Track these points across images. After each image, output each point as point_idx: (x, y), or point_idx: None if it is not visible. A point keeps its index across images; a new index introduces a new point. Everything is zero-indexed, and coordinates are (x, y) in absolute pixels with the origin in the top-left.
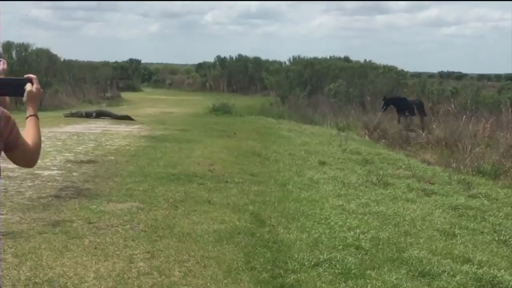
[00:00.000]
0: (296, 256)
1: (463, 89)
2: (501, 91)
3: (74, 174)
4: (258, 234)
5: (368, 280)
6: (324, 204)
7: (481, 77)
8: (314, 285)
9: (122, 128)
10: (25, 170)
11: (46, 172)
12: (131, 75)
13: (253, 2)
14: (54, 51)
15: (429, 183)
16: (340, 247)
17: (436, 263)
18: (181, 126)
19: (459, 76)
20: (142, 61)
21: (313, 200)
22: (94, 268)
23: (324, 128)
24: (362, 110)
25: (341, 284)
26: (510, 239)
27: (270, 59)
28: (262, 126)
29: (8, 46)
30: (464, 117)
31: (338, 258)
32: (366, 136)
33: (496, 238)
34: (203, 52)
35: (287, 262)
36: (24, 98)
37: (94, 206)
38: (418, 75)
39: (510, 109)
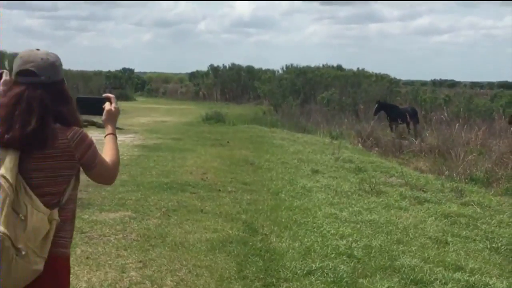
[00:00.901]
0: (289, 265)
1: (455, 97)
2: (493, 98)
3: None
4: (250, 243)
5: None
6: (317, 212)
7: (474, 85)
8: None
9: None
10: None
11: None
12: (124, 84)
13: (246, 11)
14: None
15: (422, 191)
16: (333, 255)
17: (428, 271)
18: (174, 135)
19: (452, 84)
20: (135, 70)
21: (305, 209)
22: (86, 277)
23: (317, 136)
24: (355, 119)
25: None
26: (502, 247)
27: (264, 68)
28: (255, 135)
29: (1, 55)
30: (457, 125)
31: (330, 267)
32: (359, 145)
33: (488, 246)
34: (196, 61)
35: (280, 271)
36: (103, 117)
37: (86, 216)
38: (411, 83)
39: (502, 117)
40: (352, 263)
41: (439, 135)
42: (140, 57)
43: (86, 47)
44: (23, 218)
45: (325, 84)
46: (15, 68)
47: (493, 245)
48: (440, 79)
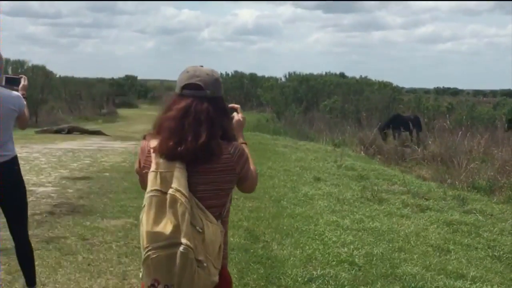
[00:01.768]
0: (290, 272)
1: (458, 105)
2: (496, 107)
3: (69, 190)
4: (251, 250)
5: None
6: (319, 220)
7: (477, 93)
8: None
9: (118, 144)
10: None
11: (40, 189)
12: (127, 92)
13: (250, 19)
14: (49, 67)
15: (424, 199)
16: (334, 263)
17: (429, 279)
18: None
19: (455, 92)
20: (139, 78)
21: (307, 216)
22: (87, 284)
23: (319, 144)
24: (358, 126)
25: None
26: (504, 255)
27: (266, 75)
28: (257, 142)
29: (4, 63)
30: (459, 133)
31: (332, 274)
32: (362, 152)
33: (490, 254)
34: None
35: (281, 278)
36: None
37: (88, 223)
38: (414, 91)
39: (505, 125)
40: (353, 270)
41: (442, 143)
42: (143, 65)
43: (89, 54)
44: (200, 230)
45: (328, 92)
46: (182, 81)
47: (495, 253)
48: (443, 87)
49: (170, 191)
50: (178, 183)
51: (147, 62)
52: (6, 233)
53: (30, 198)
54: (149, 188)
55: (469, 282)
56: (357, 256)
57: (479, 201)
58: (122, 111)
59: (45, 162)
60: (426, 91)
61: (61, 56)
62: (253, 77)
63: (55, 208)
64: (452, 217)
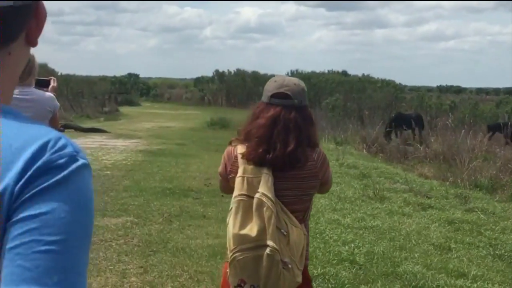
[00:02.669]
0: None
1: (461, 103)
2: (499, 105)
3: None
4: None
5: None
6: (320, 218)
7: (480, 91)
8: None
9: (120, 142)
10: None
11: None
12: (130, 90)
13: (252, 17)
14: (51, 65)
15: (426, 197)
16: (335, 261)
17: (430, 277)
18: (178, 141)
19: (458, 90)
20: (141, 76)
21: None
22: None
23: (321, 142)
24: (360, 124)
25: None
26: (506, 254)
27: (269, 73)
28: None
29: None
30: (462, 131)
31: (332, 273)
32: (364, 150)
33: (492, 253)
34: (202, 66)
35: None
36: None
37: None
38: (416, 89)
39: (508, 123)
40: (354, 269)
41: (444, 141)
42: (145, 63)
43: (92, 52)
44: (285, 233)
45: (330, 90)
46: (270, 90)
47: (497, 252)
48: (446, 85)
49: (257, 195)
50: (264, 188)
51: (149, 60)
52: None
53: None
54: (236, 192)
55: (470, 281)
56: (358, 255)
57: (481, 200)
58: (124, 109)
59: None
60: (429, 89)
61: (63, 54)
62: (255, 75)
63: None
64: (454, 216)
